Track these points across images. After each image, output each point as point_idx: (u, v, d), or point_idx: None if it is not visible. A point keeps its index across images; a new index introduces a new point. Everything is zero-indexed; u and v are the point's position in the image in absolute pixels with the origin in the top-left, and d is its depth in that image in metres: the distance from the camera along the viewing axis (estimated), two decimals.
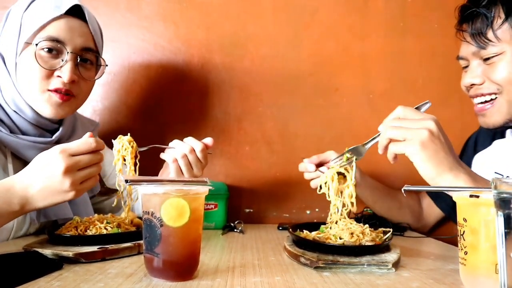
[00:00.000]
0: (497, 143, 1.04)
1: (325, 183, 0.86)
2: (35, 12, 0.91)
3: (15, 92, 0.92)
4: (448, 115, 1.28)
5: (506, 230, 0.43)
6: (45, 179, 0.74)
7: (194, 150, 0.93)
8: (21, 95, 0.92)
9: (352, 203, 0.83)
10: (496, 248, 0.44)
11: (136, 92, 1.31)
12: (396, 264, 0.70)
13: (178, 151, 0.93)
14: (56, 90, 0.91)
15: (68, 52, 0.91)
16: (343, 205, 0.85)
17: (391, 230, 0.81)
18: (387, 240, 0.78)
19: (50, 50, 0.90)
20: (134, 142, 0.86)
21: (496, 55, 0.89)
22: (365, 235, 0.77)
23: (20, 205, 0.74)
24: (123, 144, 0.85)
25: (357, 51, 1.35)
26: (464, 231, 0.57)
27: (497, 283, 0.44)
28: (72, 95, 0.94)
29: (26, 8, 0.92)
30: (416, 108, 0.82)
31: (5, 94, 0.93)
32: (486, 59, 0.91)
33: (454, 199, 0.61)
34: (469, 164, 1.07)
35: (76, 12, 0.93)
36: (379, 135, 0.81)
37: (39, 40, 0.90)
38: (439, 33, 1.33)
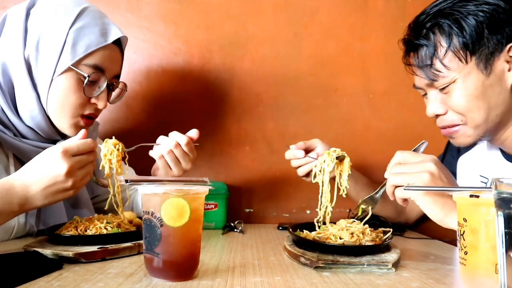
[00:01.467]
0: (479, 145, 1.03)
1: (321, 168, 0.86)
2: (83, 33, 0.89)
3: (38, 107, 0.90)
4: None
5: (506, 230, 0.44)
6: (47, 179, 0.74)
7: (180, 145, 0.93)
8: (45, 112, 0.91)
9: (346, 188, 0.85)
10: (496, 248, 0.44)
11: (136, 92, 1.31)
12: (396, 264, 0.70)
13: (163, 147, 0.93)
14: (87, 116, 0.94)
15: (106, 81, 0.93)
16: (338, 190, 0.86)
17: (391, 230, 0.81)
18: (387, 240, 0.78)
19: (93, 77, 0.91)
20: (120, 144, 0.86)
21: (450, 84, 0.84)
22: (365, 235, 0.77)
23: (20, 205, 0.74)
24: (109, 148, 0.85)
25: (357, 51, 1.35)
26: (464, 231, 0.57)
27: (497, 283, 0.44)
28: (95, 117, 0.98)
29: (72, 24, 0.89)
30: (414, 149, 0.84)
31: (21, 106, 0.90)
32: (442, 89, 0.86)
33: (454, 199, 0.61)
34: (453, 166, 1.08)
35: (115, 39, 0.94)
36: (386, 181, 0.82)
37: (85, 68, 0.90)
38: None
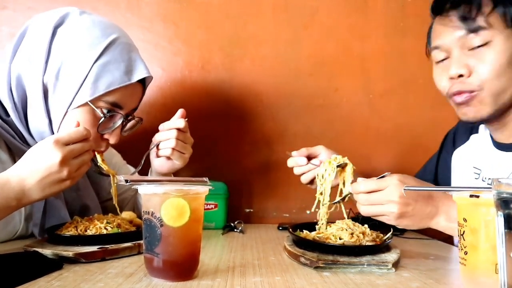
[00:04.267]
0: (473, 137, 1.05)
1: (323, 175, 0.86)
2: (107, 69, 0.85)
3: (49, 132, 0.87)
4: (448, 115, 1.27)
5: (506, 230, 0.44)
6: (42, 171, 0.73)
7: (181, 130, 0.93)
8: None
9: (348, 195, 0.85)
10: (496, 248, 0.44)
11: None
12: (396, 264, 0.70)
13: (170, 142, 0.92)
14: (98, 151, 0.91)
15: (122, 118, 0.90)
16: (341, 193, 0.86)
17: (391, 230, 0.81)
18: (387, 240, 0.78)
19: (110, 115, 0.88)
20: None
21: (485, 44, 0.83)
22: (365, 235, 0.77)
23: (17, 200, 0.73)
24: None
25: (357, 51, 1.35)
26: (464, 231, 0.57)
27: (497, 283, 0.44)
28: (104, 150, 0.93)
29: (98, 58, 0.84)
30: (381, 177, 0.81)
31: (33, 125, 0.87)
32: (471, 49, 0.84)
33: (454, 199, 0.61)
34: (448, 159, 1.09)
35: None
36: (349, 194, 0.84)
37: (103, 104, 0.86)
38: None
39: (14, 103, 0.86)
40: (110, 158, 1.08)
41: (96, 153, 0.89)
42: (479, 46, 0.84)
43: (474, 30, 0.83)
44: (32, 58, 0.85)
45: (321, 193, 0.88)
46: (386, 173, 0.79)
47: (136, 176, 1.09)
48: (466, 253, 0.57)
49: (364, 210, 0.79)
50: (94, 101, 0.85)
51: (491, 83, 0.83)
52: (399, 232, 1.06)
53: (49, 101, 0.86)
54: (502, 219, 0.44)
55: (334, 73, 1.34)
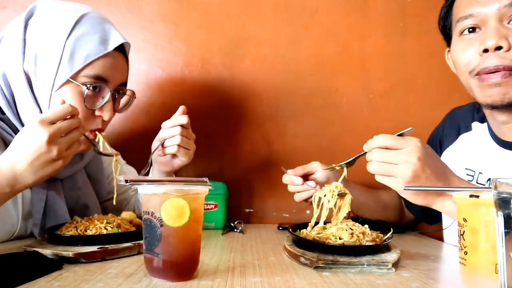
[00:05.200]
0: (463, 137, 1.01)
1: (320, 198, 0.85)
2: (81, 43, 0.84)
3: None
4: None
5: (506, 230, 0.44)
6: (31, 152, 0.71)
7: (184, 126, 0.93)
8: None
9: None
10: (496, 248, 0.44)
11: (136, 92, 1.31)
12: (396, 264, 0.70)
13: (176, 138, 0.92)
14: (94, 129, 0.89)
15: (110, 91, 0.88)
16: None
17: (391, 230, 0.81)
18: (387, 240, 0.78)
19: (94, 88, 0.86)
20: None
21: None
22: (365, 235, 0.77)
23: (10, 186, 0.72)
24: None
25: (357, 51, 1.35)
26: (464, 231, 0.57)
27: (497, 283, 0.44)
28: (102, 129, 0.92)
29: (69, 34, 0.84)
30: (399, 134, 0.78)
31: (25, 118, 0.87)
32: (510, 22, 0.78)
33: (454, 199, 0.61)
34: None
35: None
36: (363, 154, 0.80)
37: (84, 79, 0.84)
38: (439, 33, 1.33)
39: (7, 100, 0.86)
40: (110, 158, 1.08)
41: (97, 133, 0.88)
42: None
43: None
44: (11, 53, 0.86)
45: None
46: (409, 128, 0.76)
47: (136, 176, 1.09)
48: (466, 253, 0.57)
49: (374, 167, 0.75)
50: (75, 77, 0.84)
51: None
52: (399, 232, 1.06)
53: (35, 90, 0.86)
54: (502, 219, 0.44)
55: (334, 73, 1.34)
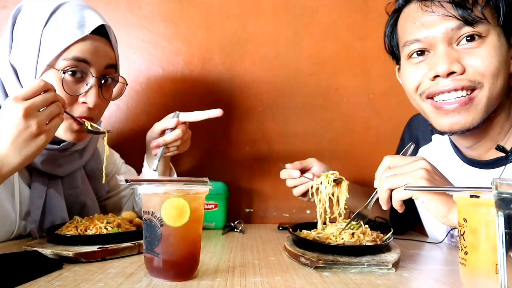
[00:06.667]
0: (423, 150, 0.99)
1: (317, 189, 0.86)
2: (57, 30, 0.84)
3: None
4: None
5: (506, 230, 0.44)
6: (10, 130, 0.70)
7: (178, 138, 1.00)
8: None
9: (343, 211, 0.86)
10: (496, 248, 0.44)
11: (136, 92, 1.31)
12: (396, 264, 0.70)
13: (175, 149, 1.01)
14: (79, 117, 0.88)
15: (93, 76, 0.86)
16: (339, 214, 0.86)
17: (391, 230, 0.81)
18: (387, 240, 0.78)
19: (74, 73, 0.85)
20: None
21: (479, 39, 0.74)
22: (366, 235, 0.77)
23: None
24: None
25: (357, 51, 1.35)
26: (464, 231, 0.57)
27: (497, 283, 0.45)
28: (91, 118, 0.90)
29: (46, 24, 0.84)
30: (402, 153, 0.80)
31: None
32: (460, 44, 0.75)
33: (454, 199, 0.61)
34: None
35: (98, 29, 0.87)
36: (376, 192, 0.78)
37: (63, 63, 0.84)
38: None
39: (6, 95, 0.87)
40: (109, 157, 1.08)
41: (84, 120, 0.88)
42: (470, 40, 0.74)
43: (471, 22, 0.73)
44: (1, 49, 0.88)
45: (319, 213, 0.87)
46: (411, 143, 0.77)
47: (136, 176, 1.10)
48: (466, 253, 0.57)
49: (388, 183, 0.72)
50: (54, 64, 0.84)
51: (491, 81, 0.74)
52: (400, 232, 1.06)
53: (21, 81, 0.86)
54: (503, 219, 0.44)
55: (334, 73, 1.34)
